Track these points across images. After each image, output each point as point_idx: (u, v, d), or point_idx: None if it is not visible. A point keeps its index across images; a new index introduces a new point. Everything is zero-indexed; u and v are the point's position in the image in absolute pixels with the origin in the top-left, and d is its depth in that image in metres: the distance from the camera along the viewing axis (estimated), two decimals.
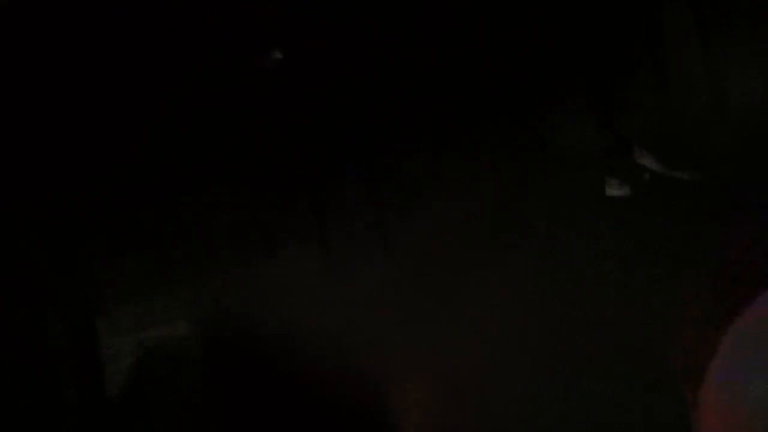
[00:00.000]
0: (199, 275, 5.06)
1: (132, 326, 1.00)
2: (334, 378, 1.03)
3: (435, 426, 1.07)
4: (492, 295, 3.95)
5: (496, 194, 4.93)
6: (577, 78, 4.06)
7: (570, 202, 4.04)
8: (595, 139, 3.80)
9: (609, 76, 3.75)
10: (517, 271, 4.06)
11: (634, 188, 3.53)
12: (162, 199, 5.31)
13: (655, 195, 3.80)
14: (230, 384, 0.91)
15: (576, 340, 3.19)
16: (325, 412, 1.01)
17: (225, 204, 5.41)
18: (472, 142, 4.77)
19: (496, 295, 3.94)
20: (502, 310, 3.76)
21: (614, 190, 3.54)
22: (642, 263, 3.63)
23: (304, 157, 4.95)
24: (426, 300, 4.07)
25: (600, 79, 3.80)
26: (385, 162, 5.11)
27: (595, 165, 3.81)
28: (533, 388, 2.90)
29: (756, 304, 0.57)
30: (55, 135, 4.38)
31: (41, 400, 0.75)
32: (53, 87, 4.26)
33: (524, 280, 3.89)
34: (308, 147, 4.94)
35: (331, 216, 4.95)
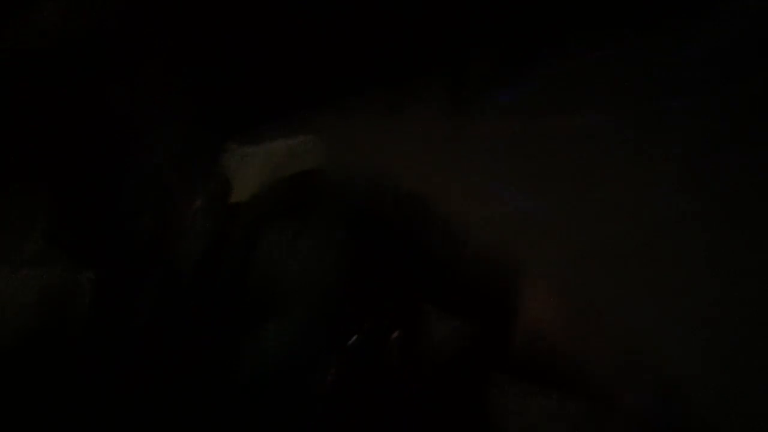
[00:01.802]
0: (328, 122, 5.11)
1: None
2: (458, 241, 1.05)
3: (560, 310, 1.09)
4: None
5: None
6: None
7: None
8: None
9: None
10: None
11: None
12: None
13: None
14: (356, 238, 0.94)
15: None
16: (448, 275, 1.04)
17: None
18: None
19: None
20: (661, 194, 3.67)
21: None
22: None
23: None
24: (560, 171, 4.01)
25: None
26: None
27: None
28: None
29: None
30: None
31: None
32: None
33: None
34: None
35: (461, 71, 4.90)
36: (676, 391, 1.02)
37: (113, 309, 0.96)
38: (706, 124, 3.71)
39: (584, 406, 1.07)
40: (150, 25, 0.94)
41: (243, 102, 4.45)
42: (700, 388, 1.23)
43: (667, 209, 3.23)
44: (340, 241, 1.07)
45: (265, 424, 0.97)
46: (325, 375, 1.00)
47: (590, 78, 4.65)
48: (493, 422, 1.21)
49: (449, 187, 3.86)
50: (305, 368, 1.00)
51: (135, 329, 0.96)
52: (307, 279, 1.04)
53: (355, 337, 1.02)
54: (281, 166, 1.10)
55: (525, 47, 4.97)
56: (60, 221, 0.98)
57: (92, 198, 0.90)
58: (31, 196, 0.96)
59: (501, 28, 5.03)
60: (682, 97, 3.89)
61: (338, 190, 1.10)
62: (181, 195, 0.92)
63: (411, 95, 5.31)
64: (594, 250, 3.04)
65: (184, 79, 0.95)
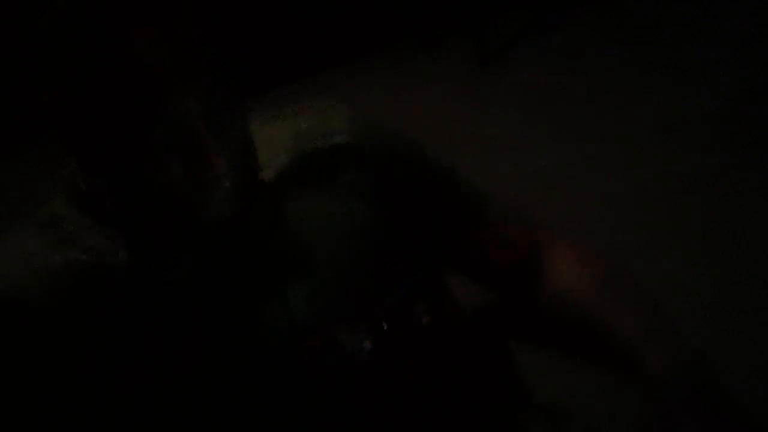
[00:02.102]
0: (347, 67, 5.12)
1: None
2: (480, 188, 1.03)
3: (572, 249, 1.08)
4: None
5: None
6: None
7: None
8: None
9: None
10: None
11: None
12: None
13: None
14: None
15: None
16: (471, 238, 1.03)
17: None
18: None
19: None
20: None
21: None
22: None
23: None
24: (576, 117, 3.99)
25: None
26: None
27: None
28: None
29: None
30: None
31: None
32: None
33: None
34: None
35: (488, 15, 4.88)
36: (699, 359, 1.02)
37: (143, 281, 0.96)
38: (743, 75, 3.68)
39: (606, 373, 1.07)
40: None
41: (267, 60, 4.42)
42: (723, 355, 1.23)
43: (692, 162, 3.23)
44: (366, 206, 1.07)
45: (292, 386, 0.98)
46: (356, 340, 1.00)
47: (612, 32, 4.57)
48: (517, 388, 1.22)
49: (472, 141, 3.84)
50: (332, 330, 1.00)
51: (163, 298, 0.97)
52: (333, 244, 1.04)
53: (384, 308, 1.02)
54: (307, 134, 1.09)
55: (549, 6, 4.86)
56: (87, 178, 0.98)
57: (119, 149, 0.89)
58: (55, 152, 0.96)
59: None
60: (719, 48, 3.83)
61: (364, 155, 1.10)
62: (210, 153, 0.91)
63: (435, 52, 5.26)
64: (615, 203, 3.05)
65: (210, 33, 0.94)
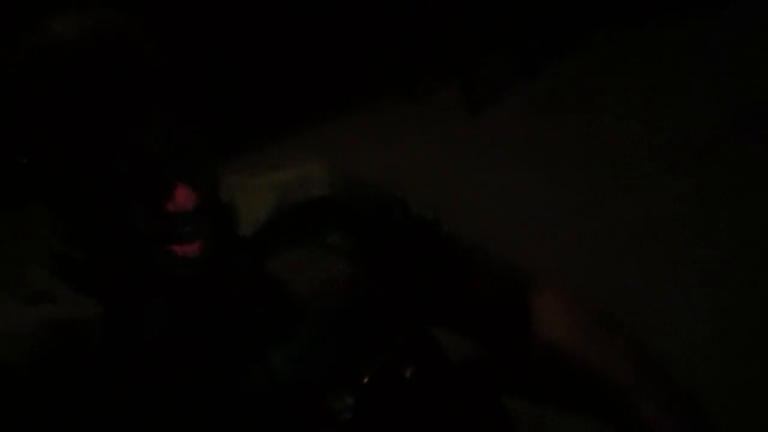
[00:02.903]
0: (334, 118, 5.15)
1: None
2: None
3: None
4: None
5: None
6: None
7: None
8: None
9: None
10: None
11: None
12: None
13: None
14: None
15: None
16: (461, 293, 1.03)
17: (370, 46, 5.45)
18: None
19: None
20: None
21: None
22: None
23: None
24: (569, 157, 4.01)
25: None
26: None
27: None
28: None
29: None
30: None
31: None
32: None
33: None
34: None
35: (475, 60, 4.91)
36: (691, 404, 1.01)
37: (121, 337, 0.96)
38: (729, 105, 3.70)
39: (599, 422, 1.06)
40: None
41: (252, 115, 4.46)
42: (714, 392, 1.22)
43: (684, 199, 3.23)
44: (347, 265, 1.06)
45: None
46: (338, 405, 0.99)
47: (599, 72, 4.61)
48: None
49: (461, 189, 3.83)
50: (315, 391, 0.99)
51: (143, 354, 0.96)
52: (314, 305, 1.03)
53: (368, 378, 1.02)
54: (287, 195, 1.09)
55: (536, 50, 4.91)
56: (62, 240, 0.98)
57: (96, 206, 0.89)
58: (30, 218, 0.95)
59: (513, 32, 4.96)
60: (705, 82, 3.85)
61: (347, 214, 1.09)
62: (175, 186, 0.91)
63: (422, 101, 5.28)
64: (607, 247, 3.05)
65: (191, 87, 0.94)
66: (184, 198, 0.88)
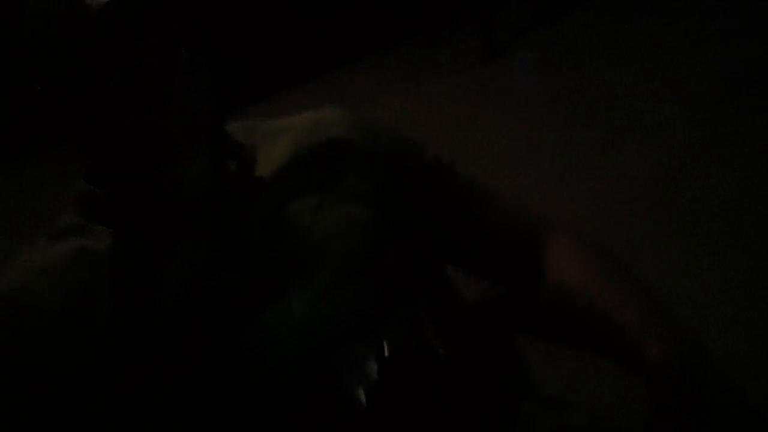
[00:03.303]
0: (354, 63, 5.14)
1: None
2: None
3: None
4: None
5: None
6: None
7: None
8: None
9: None
10: None
11: None
12: None
13: None
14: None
15: None
16: (473, 239, 1.04)
17: None
18: None
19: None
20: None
21: None
22: None
23: None
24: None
25: None
26: None
27: None
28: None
29: None
30: None
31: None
32: None
33: None
34: None
35: (495, 7, 4.89)
36: (699, 348, 1.02)
37: (141, 280, 0.99)
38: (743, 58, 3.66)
39: (609, 363, 1.08)
40: None
41: (273, 61, 4.45)
42: (725, 340, 1.23)
43: (690, 149, 3.23)
44: (366, 209, 1.08)
45: (288, 394, 0.99)
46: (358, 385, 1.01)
47: (617, 23, 4.54)
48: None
49: (477, 132, 3.82)
50: (329, 339, 1.01)
51: (160, 293, 0.99)
52: (333, 247, 1.05)
53: (389, 348, 1.03)
54: (305, 138, 1.11)
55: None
56: (92, 183, 1.02)
57: (124, 152, 0.93)
58: (64, 161, 0.99)
59: None
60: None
61: (364, 157, 1.11)
62: (209, 158, 0.96)
63: (441, 48, 5.25)
64: (617, 195, 3.05)
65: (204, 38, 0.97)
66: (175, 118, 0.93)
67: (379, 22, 5.41)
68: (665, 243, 2.73)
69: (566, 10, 4.98)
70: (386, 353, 1.02)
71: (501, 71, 4.53)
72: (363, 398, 0.99)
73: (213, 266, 1.00)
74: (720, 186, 2.96)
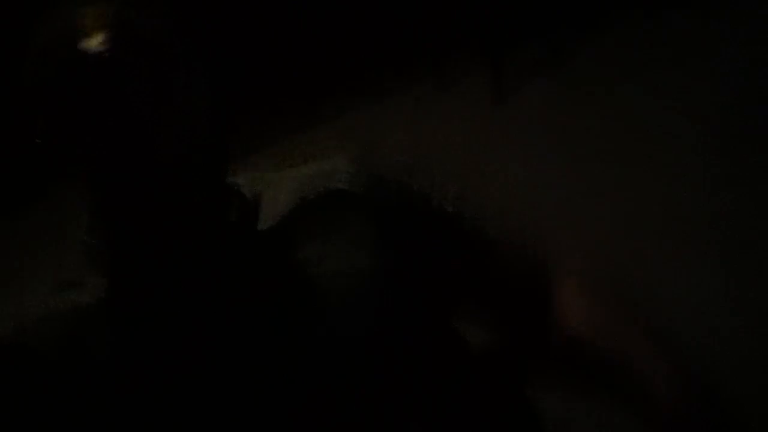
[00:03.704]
0: (362, 107, 5.16)
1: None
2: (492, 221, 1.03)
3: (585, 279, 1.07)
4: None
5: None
6: None
7: None
8: None
9: None
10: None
11: None
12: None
13: None
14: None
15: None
16: (482, 274, 1.03)
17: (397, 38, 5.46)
18: None
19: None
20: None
21: None
22: None
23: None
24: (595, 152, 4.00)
25: None
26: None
27: None
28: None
29: None
30: None
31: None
32: None
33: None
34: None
35: (503, 47, 4.91)
36: (711, 383, 1.02)
37: (138, 329, 0.99)
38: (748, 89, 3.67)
39: (618, 407, 1.08)
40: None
41: (283, 103, 4.48)
42: (735, 379, 1.22)
43: (706, 184, 3.22)
44: (369, 260, 1.08)
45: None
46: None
47: (628, 62, 4.55)
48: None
49: (486, 174, 3.84)
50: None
51: (156, 343, 0.99)
52: (337, 298, 1.04)
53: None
54: (310, 187, 1.11)
55: (564, 37, 4.87)
56: (94, 233, 1.02)
57: (125, 202, 0.93)
58: (68, 205, 0.99)
59: (540, 19, 4.95)
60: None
61: (368, 207, 1.10)
62: (211, 212, 0.96)
63: (451, 89, 5.26)
64: (626, 236, 3.04)
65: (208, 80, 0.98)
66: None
67: (387, 63, 5.44)
68: (677, 281, 2.71)
69: (575, 48, 5.01)
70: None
71: (510, 112, 4.54)
72: None
73: (211, 318, 1.00)
74: (737, 199, 2.95)
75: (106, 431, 0.94)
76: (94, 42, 0.90)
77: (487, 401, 1.15)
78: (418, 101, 5.12)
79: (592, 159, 3.76)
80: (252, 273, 1.02)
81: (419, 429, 1.04)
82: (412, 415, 1.04)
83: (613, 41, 4.96)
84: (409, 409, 1.04)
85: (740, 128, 3.56)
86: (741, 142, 3.47)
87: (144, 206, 0.93)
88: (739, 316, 2.50)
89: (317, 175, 1.12)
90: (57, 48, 0.92)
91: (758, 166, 3.19)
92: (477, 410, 1.11)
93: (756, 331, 2.35)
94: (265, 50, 5.51)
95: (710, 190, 3.23)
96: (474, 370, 1.16)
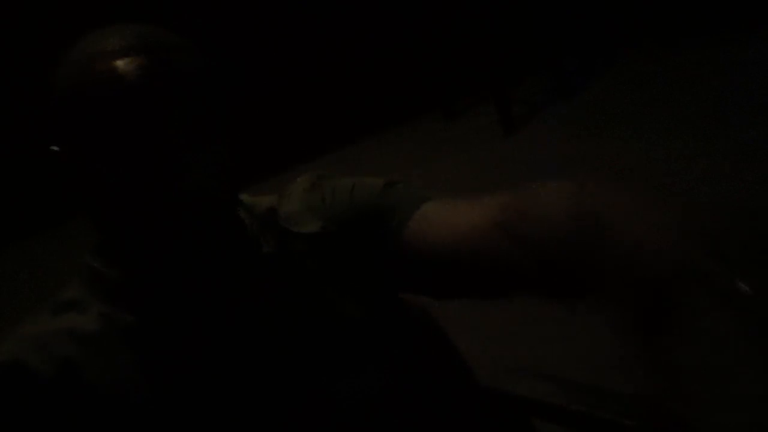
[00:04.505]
0: (371, 137, 5.17)
1: None
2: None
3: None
4: None
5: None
6: None
7: None
8: None
9: None
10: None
11: None
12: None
13: None
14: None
15: None
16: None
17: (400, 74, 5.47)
18: None
19: None
20: None
21: None
22: None
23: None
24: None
25: None
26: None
27: None
28: None
29: None
30: None
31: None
32: None
33: None
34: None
35: (511, 81, 4.91)
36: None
37: (155, 354, 0.98)
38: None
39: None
40: None
41: (297, 135, 4.47)
42: None
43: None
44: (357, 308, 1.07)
45: None
46: None
47: (636, 93, 4.54)
48: None
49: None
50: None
51: (172, 367, 0.98)
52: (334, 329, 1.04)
53: None
54: (279, 223, 1.09)
55: (571, 70, 4.86)
56: (99, 257, 1.01)
57: (148, 222, 0.91)
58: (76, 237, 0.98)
59: (548, 53, 4.93)
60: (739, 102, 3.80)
61: (342, 252, 1.09)
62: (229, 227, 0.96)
63: (459, 121, 5.27)
64: None
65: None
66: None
67: (396, 96, 5.46)
68: None
69: (583, 81, 5.02)
70: None
71: (519, 144, 4.54)
72: None
73: (223, 343, 0.99)
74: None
75: None
76: (133, 65, 0.87)
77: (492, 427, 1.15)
78: (427, 132, 5.13)
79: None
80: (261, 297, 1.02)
81: None
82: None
83: (622, 71, 4.98)
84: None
85: (751, 161, 3.55)
86: (753, 174, 3.46)
87: (171, 232, 0.91)
88: None
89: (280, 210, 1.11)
90: (94, 66, 0.89)
91: None
92: None
93: None
94: (274, 80, 5.54)
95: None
96: (480, 402, 1.15)
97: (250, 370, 0.99)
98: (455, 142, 4.90)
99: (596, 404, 1.18)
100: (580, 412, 1.18)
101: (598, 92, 4.85)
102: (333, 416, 0.99)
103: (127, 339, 0.97)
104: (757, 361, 0.84)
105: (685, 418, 0.79)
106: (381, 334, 1.05)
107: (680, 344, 0.71)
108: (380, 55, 5.64)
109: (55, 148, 0.93)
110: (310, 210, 1.07)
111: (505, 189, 0.92)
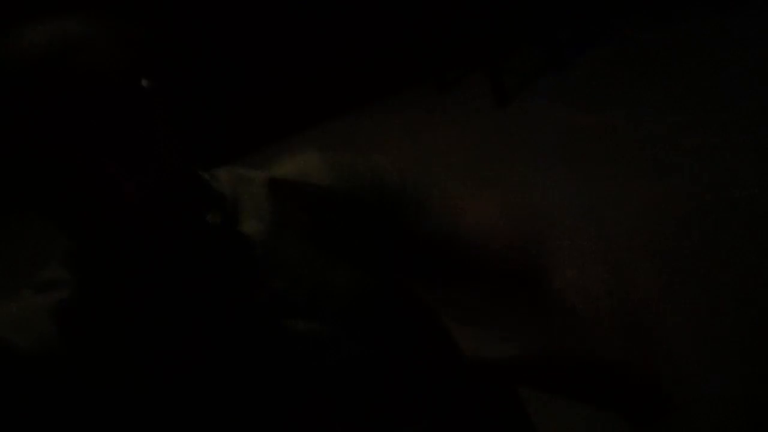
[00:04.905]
0: (363, 108, 5.16)
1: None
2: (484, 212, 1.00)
3: (585, 288, 1.05)
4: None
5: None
6: None
7: None
8: None
9: None
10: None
11: None
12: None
13: None
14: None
15: None
16: (472, 256, 1.00)
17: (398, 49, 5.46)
18: None
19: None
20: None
21: None
22: None
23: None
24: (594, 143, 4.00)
25: None
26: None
27: None
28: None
29: None
30: None
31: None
32: None
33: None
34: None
35: (504, 52, 4.91)
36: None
37: (124, 333, 0.98)
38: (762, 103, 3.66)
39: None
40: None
41: (286, 106, 4.49)
42: None
43: (708, 191, 3.22)
44: (355, 262, 1.06)
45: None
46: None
47: (629, 65, 4.54)
48: None
49: (490, 177, 3.83)
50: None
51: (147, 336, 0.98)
52: (324, 297, 1.03)
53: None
54: (287, 191, 1.09)
55: (564, 42, 4.87)
56: (74, 243, 1.00)
57: (104, 213, 0.91)
58: (47, 219, 0.97)
59: (541, 24, 4.94)
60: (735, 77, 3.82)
61: (351, 205, 1.08)
62: (188, 215, 0.94)
63: (451, 93, 5.28)
64: (632, 237, 3.04)
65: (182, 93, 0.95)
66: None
67: (387, 67, 5.45)
68: (683, 280, 2.70)
69: (576, 52, 5.01)
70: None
71: (512, 116, 4.53)
72: None
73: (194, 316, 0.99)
74: (739, 228, 2.94)
75: (87, 431, 0.94)
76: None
77: (480, 405, 1.14)
78: (420, 103, 5.13)
79: (595, 161, 3.75)
80: (234, 272, 1.01)
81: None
82: (405, 418, 1.03)
83: (616, 42, 4.98)
84: (402, 413, 1.03)
85: (750, 135, 3.55)
86: (747, 148, 3.46)
87: (121, 217, 0.91)
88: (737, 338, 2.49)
89: (297, 174, 1.10)
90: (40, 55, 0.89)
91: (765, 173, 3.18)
92: (469, 414, 1.10)
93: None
94: (265, 52, 5.52)
95: (714, 191, 3.22)
96: (465, 374, 1.15)
97: (227, 344, 0.99)
98: (448, 113, 4.89)
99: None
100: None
101: (591, 64, 4.84)
102: (312, 385, 0.99)
103: (108, 318, 0.97)
104: None
105: None
106: (366, 304, 1.05)
107: None
108: (371, 27, 5.61)
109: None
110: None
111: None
